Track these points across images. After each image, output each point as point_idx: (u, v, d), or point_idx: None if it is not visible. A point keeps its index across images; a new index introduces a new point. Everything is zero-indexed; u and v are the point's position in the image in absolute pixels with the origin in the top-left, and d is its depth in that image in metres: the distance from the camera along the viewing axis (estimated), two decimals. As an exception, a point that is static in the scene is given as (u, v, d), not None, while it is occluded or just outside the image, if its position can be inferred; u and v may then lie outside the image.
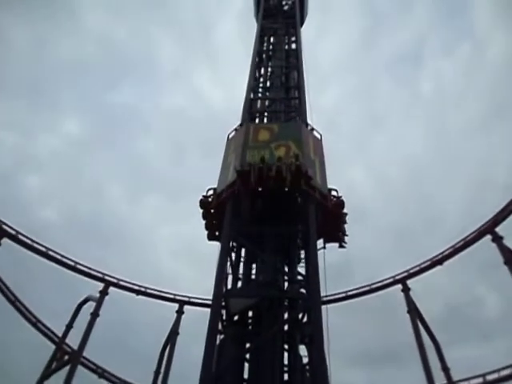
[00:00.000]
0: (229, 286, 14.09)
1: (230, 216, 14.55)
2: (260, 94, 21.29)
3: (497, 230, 19.64)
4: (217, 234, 16.35)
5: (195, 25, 75.76)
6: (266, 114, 20.36)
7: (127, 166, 66.69)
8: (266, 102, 20.94)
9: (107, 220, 60.26)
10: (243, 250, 15.62)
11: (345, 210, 15.90)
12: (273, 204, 15.12)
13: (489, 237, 19.75)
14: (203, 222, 16.33)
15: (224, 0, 72.46)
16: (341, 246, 16.51)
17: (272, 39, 25.49)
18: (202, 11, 74.27)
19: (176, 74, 76.00)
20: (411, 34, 69.41)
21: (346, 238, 16.41)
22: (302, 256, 15.29)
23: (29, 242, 21.63)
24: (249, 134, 16.59)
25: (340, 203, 15.71)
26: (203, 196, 16.06)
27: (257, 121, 19.64)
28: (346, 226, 16.28)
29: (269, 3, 29.01)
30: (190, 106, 75.96)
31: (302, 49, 24.02)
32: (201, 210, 15.98)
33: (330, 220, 15.68)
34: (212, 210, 15.82)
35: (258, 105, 20.68)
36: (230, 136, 18.18)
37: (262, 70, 23.27)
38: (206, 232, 16.64)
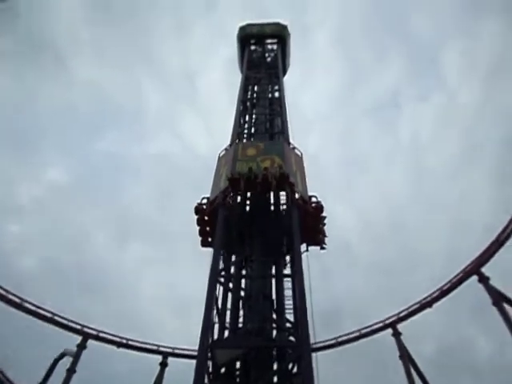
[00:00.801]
0: (215, 336, 13.51)
1: (222, 219, 15.79)
2: (245, 140, 21.79)
3: (482, 270, 19.79)
4: (209, 240, 17.50)
5: (181, 73, 78.39)
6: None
7: (112, 213, 65.71)
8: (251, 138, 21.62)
9: (89, 268, 58.11)
10: (230, 296, 15.19)
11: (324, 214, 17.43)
12: (260, 215, 16.90)
13: (475, 277, 19.86)
14: (197, 228, 17.51)
15: (209, 50, 75.98)
16: (322, 248, 17.76)
17: (256, 88, 26.53)
18: (188, 61, 77.39)
19: (162, 121, 77.44)
20: (388, 83, 73.42)
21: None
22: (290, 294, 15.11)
23: (3, 292, 20.59)
24: (238, 151, 18.66)
25: (319, 206, 17.19)
26: (198, 203, 17.31)
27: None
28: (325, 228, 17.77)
29: (252, 55, 30.53)
30: (176, 152, 76.75)
31: (286, 96, 25.00)
32: (195, 217, 17.22)
33: (311, 223, 17.03)
34: (206, 218, 17.12)
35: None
36: (221, 154, 19.97)
37: (247, 117, 23.99)
38: (200, 239, 17.79)
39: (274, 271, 16.22)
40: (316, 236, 17.38)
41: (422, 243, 55.43)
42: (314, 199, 17.31)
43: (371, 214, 64.57)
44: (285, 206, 17.14)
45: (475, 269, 19.99)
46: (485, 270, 19.73)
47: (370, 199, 67.40)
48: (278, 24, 32.57)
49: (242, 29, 32.49)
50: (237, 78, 28.84)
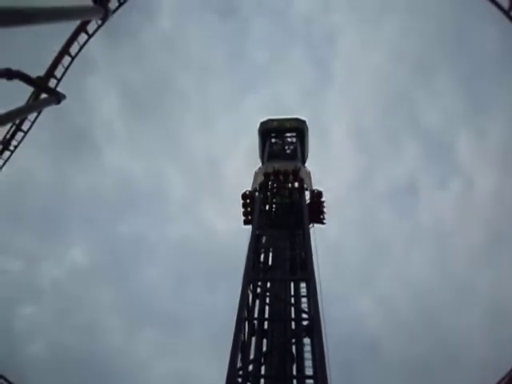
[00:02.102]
0: None
1: (259, 201, 23.99)
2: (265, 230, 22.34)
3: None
4: (249, 218, 24.20)
5: (205, 162, 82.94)
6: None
7: (128, 297, 64.79)
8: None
9: (100, 356, 55.68)
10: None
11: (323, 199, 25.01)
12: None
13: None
14: (242, 210, 24.93)
15: (232, 140, 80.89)
16: (322, 224, 24.63)
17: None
18: (212, 150, 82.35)
19: (183, 207, 79.92)
20: (405, 170, 75.21)
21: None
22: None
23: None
24: (268, 165, 27.69)
25: (320, 192, 25.01)
26: (244, 192, 25.16)
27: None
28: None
29: (273, 148, 32.23)
30: (196, 237, 77.78)
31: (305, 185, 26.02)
32: (241, 201, 24.96)
33: (315, 206, 24.57)
34: (248, 200, 24.77)
35: (263, 240, 21.71)
36: (256, 171, 27.86)
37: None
38: (243, 218, 24.92)
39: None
40: (318, 216, 24.42)
41: (456, 334, 51.40)
42: (315, 191, 25.03)
43: (397, 303, 61.35)
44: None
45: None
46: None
47: (394, 287, 64.59)
48: (297, 119, 34.80)
49: (263, 123, 34.80)
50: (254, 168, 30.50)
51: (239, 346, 14.65)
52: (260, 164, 31.23)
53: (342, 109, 79.30)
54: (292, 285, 18.70)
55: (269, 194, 25.44)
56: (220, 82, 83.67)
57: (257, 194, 25.03)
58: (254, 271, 18.75)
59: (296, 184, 25.60)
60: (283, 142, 33.65)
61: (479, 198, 64.22)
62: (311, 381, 14.31)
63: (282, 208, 24.40)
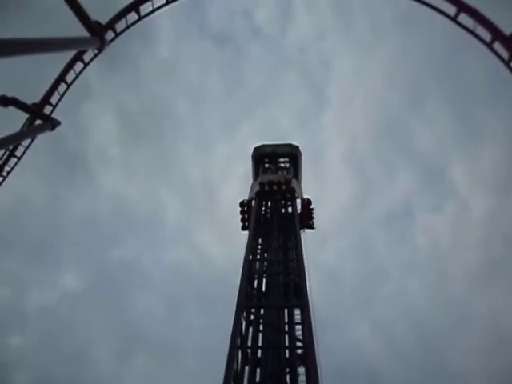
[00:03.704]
0: None
1: (256, 207, 26.55)
2: (258, 256, 22.20)
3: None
4: (247, 225, 26.87)
5: (200, 186, 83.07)
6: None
7: (119, 323, 63.04)
8: (265, 263, 21.80)
9: (89, 385, 53.79)
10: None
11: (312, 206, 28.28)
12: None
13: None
14: (240, 216, 28.27)
15: (227, 165, 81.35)
16: (312, 229, 28.04)
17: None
18: (207, 174, 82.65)
19: (178, 231, 79.36)
20: (400, 194, 75.69)
21: None
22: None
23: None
24: (264, 177, 30.38)
25: (310, 200, 28.38)
26: (241, 200, 28.65)
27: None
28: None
29: (266, 173, 32.50)
30: (190, 262, 76.87)
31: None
32: (239, 209, 28.36)
33: (305, 212, 27.64)
34: (245, 208, 28.00)
35: (257, 266, 21.47)
36: (252, 184, 30.52)
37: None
38: (240, 224, 28.09)
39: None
40: (308, 221, 27.74)
41: (455, 360, 50.54)
42: (306, 199, 28.28)
43: (394, 330, 60.47)
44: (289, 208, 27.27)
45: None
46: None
47: (391, 311, 63.86)
48: (289, 145, 35.21)
49: (256, 149, 35.16)
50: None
51: (232, 376, 14.31)
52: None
53: (337, 134, 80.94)
54: (286, 312, 18.49)
55: (264, 202, 28.03)
56: (216, 108, 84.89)
57: (253, 202, 27.75)
58: (247, 298, 18.52)
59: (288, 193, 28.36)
60: (276, 167, 33.99)
61: (474, 221, 64.65)
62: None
63: (276, 215, 26.52)
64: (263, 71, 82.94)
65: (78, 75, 21.79)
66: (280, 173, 31.92)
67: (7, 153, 22.97)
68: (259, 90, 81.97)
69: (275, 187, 28.12)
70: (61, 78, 21.47)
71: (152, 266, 75.53)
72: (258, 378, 15.47)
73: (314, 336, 15.56)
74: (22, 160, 23.43)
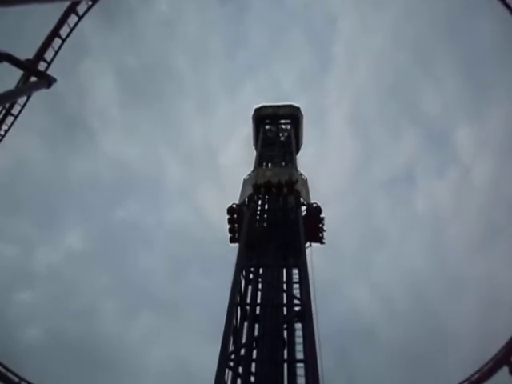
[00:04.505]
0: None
1: (248, 217, 20.52)
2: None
3: (513, 360, 18.25)
4: (236, 237, 21.73)
5: (202, 149, 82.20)
6: None
7: (125, 282, 64.81)
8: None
9: (96, 340, 55.94)
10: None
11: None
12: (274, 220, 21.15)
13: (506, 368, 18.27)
14: (228, 226, 22.10)
15: (230, 126, 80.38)
16: (321, 243, 22.08)
17: (269, 165, 27.48)
18: (209, 137, 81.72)
19: (180, 192, 79.63)
20: (402, 159, 75.07)
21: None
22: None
23: (3, 370, 19.76)
24: (259, 173, 24.51)
25: (319, 208, 21.88)
26: (229, 206, 22.11)
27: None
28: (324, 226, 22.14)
29: (267, 134, 32.07)
30: (192, 222, 77.66)
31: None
32: (227, 216, 21.97)
33: (312, 222, 21.53)
34: (235, 216, 21.80)
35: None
36: (246, 178, 24.82)
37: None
38: (229, 235, 22.18)
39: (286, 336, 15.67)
40: (316, 234, 21.81)
41: (451, 323, 52.23)
42: (314, 204, 22.02)
43: (392, 291, 62.04)
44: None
45: (505, 358, 18.48)
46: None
47: (390, 275, 65.31)
48: (291, 106, 34.61)
49: (257, 110, 34.58)
50: (254, 154, 30.16)
51: (231, 331, 14.78)
52: (254, 152, 31.12)
53: (341, 94, 78.73)
54: (284, 271, 18.81)
55: (259, 208, 22.48)
56: (218, 67, 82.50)
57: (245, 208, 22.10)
58: (246, 257, 18.78)
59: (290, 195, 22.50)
60: (277, 128, 33.51)
61: (476, 187, 64.34)
62: (302, 365, 14.49)
63: (275, 225, 20.73)
64: (266, 28, 79.89)
65: (72, 29, 21.00)
66: (281, 167, 26.34)
67: (4, 111, 22.64)
68: (262, 48, 79.38)
69: (274, 189, 22.47)
70: (55, 32, 20.68)
71: (154, 226, 76.55)
72: (256, 334, 16.02)
73: (311, 294, 15.94)
74: (22, 122, 23.13)
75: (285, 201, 22.07)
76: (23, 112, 22.90)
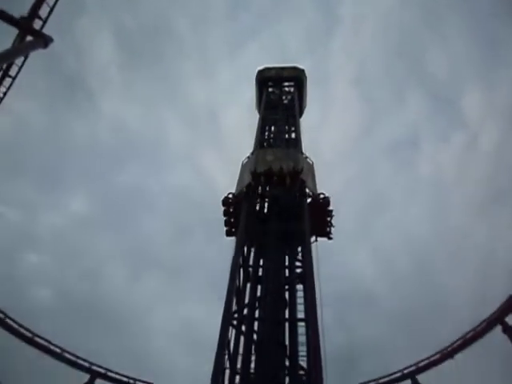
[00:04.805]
0: (226, 382, 13.10)
1: (246, 209, 18.39)
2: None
3: (506, 319, 18.85)
4: (233, 230, 19.63)
5: (204, 111, 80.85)
6: None
7: (129, 246, 66.10)
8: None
9: (103, 301, 57.90)
10: (242, 341, 14.86)
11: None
12: (276, 205, 19.10)
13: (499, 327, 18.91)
14: (224, 218, 20.04)
15: (232, 88, 78.55)
16: (329, 238, 20.25)
17: (273, 128, 27.14)
18: (211, 99, 79.99)
19: (182, 156, 79.21)
20: (407, 123, 73.80)
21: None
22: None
23: (16, 326, 20.56)
24: (259, 156, 21.49)
25: (327, 200, 19.84)
26: (225, 196, 20.07)
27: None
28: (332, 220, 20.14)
29: (270, 97, 31.42)
30: (195, 186, 77.82)
31: (303, 137, 25.39)
32: (222, 208, 19.89)
33: (319, 216, 19.48)
34: (231, 209, 19.72)
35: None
36: (244, 162, 22.27)
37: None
38: (225, 229, 20.12)
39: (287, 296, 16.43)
40: (324, 228, 19.79)
41: (449, 285, 53.42)
42: (322, 195, 19.96)
43: (393, 256, 63.07)
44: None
45: (499, 318, 19.06)
46: (508, 319, 18.82)
47: (391, 240, 66.18)
48: (295, 68, 33.63)
49: (260, 72, 33.66)
50: (257, 118, 29.61)
51: (234, 291, 15.23)
52: (257, 115, 30.61)
53: (346, 56, 76.20)
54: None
55: (259, 200, 20.25)
56: (220, 27, 79.37)
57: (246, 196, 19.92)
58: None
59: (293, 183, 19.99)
60: (281, 91, 32.77)
61: (481, 153, 63.69)
62: (303, 324, 15.05)
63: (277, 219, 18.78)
64: (271, -14, 76.10)
65: (67, -16, 19.98)
66: (284, 150, 22.87)
67: (1, 72, 22.09)
68: (265, 8, 75.91)
69: (276, 178, 19.61)
70: (49, -12, 19.67)
71: (157, 190, 76.87)
72: (258, 295, 16.52)
73: (313, 258, 16.25)
74: (21, 84, 22.54)
75: (288, 191, 19.65)
76: (21, 73, 22.33)
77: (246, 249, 17.92)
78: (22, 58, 21.19)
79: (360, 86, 76.10)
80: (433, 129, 72.58)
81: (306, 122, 31.82)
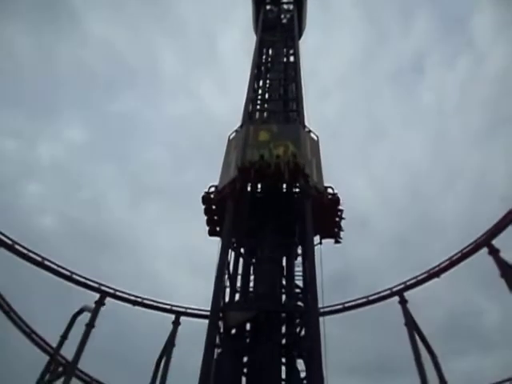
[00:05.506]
0: (226, 299, 14.02)
1: (231, 210, 14.84)
2: (259, 106, 21.41)
3: (493, 242, 19.75)
4: (217, 229, 16.69)
5: (199, 35, 76.34)
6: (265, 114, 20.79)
7: (128, 174, 66.74)
8: (265, 114, 21.18)
9: (106, 228, 60.06)
10: (241, 261, 15.63)
11: (341, 207, 16.39)
12: (271, 202, 15.92)
13: (486, 249, 19.87)
14: (205, 217, 16.70)
15: (228, 11, 73.28)
16: (336, 242, 16.88)
17: (271, 51, 25.75)
18: (206, 22, 75.03)
19: (179, 83, 76.49)
20: (412, 47, 70.19)
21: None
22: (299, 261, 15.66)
23: (25, 251, 21.47)
24: (249, 135, 17.09)
25: (336, 199, 16.10)
26: (205, 192, 16.47)
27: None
28: (342, 221, 16.72)
29: (267, 16, 29.31)
30: (192, 114, 76.26)
31: (302, 61, 24.11)
32: (203, 206, 16.40)
33: (326, 216, 16.01)
34: (214, 206, 16.33)
35: (257, 116, 20.83)
36: (231, 137, 18.56)
37: (261, 82, 23.31)
38: (207, 228, 16.94)
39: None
40: (331, 229, 16.48)
41: (441, 212, 55.26)
42: (330, 190, 16.22)
43: (389, 183, 64.18)
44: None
45: (486, 241, 19.97)
46: (495, 242, 19.73)
47: (388, 167, 66.77)
48: (294, -17, 30.98)
49: (257, -14, 31.03)
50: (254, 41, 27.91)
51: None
52: (254, 38, 28.71)
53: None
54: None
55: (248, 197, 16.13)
56: None
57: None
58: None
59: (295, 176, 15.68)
60: (279, 9, 30.52)
61: (486, 78, 61.44)
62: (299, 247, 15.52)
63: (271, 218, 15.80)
64: None
65: None
66: (281, 125, 18.42)
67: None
68: None
69: (269, 170, 15.39)
70: None
71: (153, 119, 75.46)
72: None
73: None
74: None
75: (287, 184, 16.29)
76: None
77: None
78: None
79: (363, 4, 71.03)
80: (439, 53, 69.31)
81: (305, 45, 30.20)
